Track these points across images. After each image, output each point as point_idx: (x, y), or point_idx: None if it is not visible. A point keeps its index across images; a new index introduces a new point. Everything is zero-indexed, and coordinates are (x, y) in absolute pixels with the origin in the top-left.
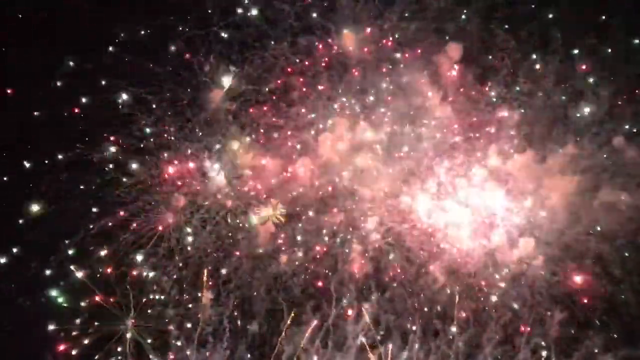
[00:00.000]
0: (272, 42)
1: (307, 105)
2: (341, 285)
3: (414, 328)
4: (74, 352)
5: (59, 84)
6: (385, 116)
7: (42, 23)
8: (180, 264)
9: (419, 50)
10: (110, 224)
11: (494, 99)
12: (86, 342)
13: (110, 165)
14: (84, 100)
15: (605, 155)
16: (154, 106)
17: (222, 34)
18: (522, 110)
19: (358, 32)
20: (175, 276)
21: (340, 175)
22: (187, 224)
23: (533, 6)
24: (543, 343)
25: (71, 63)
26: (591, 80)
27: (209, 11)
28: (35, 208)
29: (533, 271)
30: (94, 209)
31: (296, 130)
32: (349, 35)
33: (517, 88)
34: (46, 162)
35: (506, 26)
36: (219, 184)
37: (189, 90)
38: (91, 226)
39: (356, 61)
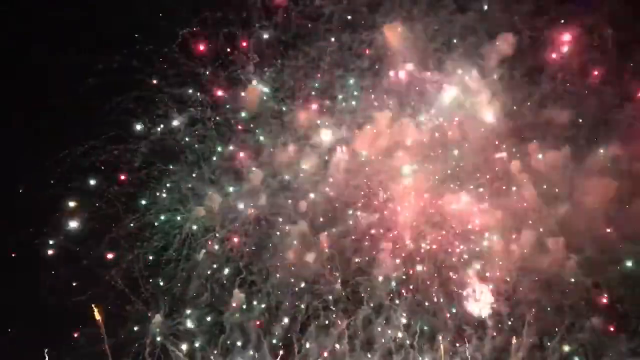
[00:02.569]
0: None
1: (348, 101)
2: (371, 287)
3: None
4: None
5: (94, 80)
6: (428, 114)
7: (83, 19)
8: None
9: (466, 47)
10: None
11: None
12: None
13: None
14: (119, 98)
15: None
16: (191, 105)
17: (264, 33)
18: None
19: (404, 28)
20: (205, 279)
21: (378, 173)
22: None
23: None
24: (570, 347)
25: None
26: None
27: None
28: (69, 207)
29: (565, 275)
30: (127, 210)
31: (336, 127)
32: (393, 32)
33: (566, 86)
34: (79, 161)
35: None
36: (253, 184)
37: (228, 89)
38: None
39: (401, 58)
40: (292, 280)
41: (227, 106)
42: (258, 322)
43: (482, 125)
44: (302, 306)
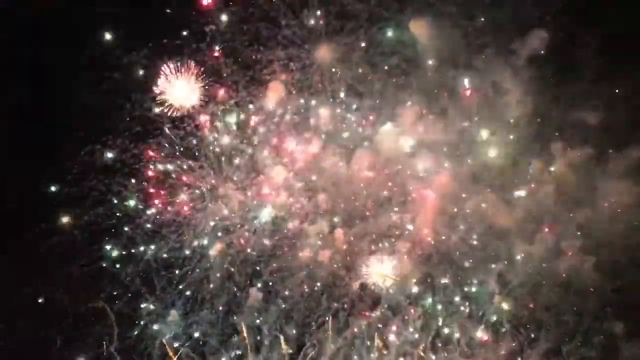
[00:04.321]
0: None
1: (374, 98)
2: (388, 290)
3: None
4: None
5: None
6: (455, 113)
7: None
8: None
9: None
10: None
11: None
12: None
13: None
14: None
15: None
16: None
17: (288, 32)
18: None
19: (431, 22)
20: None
21: (399, 173)
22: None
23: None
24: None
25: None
26: None
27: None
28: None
29: (582, 278)
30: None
31: (358, 124)
32: (421, 26)
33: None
34: (97, 159)
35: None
36: (273, 183)
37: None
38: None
39: (430, 54)
40: (309, 281)
41: (250, 104)
42: (273, 324)
43: (509, 125)
44: (318, 307)
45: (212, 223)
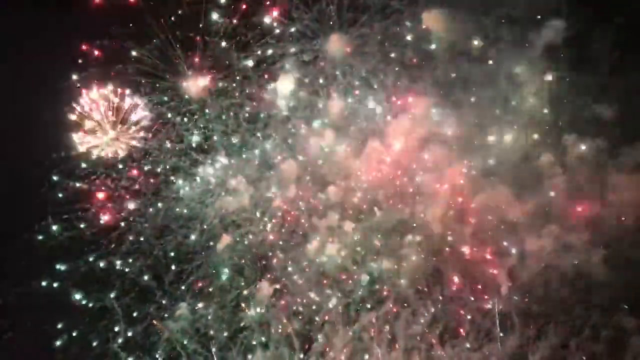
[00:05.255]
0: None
1: (386, 90)
2: (396, 285)
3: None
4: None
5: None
6: (468, 107)
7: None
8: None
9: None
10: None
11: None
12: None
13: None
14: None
15: None
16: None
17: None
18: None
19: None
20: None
21: (410, 167)
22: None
23: None
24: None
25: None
26: None
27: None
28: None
29: (590, 273)
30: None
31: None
32: (432, 19)
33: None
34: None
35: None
36: (284, 176)
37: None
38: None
39: (441, 46)
40: (318, 275)
41: (261, 97)
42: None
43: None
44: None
45: (221, 218)
